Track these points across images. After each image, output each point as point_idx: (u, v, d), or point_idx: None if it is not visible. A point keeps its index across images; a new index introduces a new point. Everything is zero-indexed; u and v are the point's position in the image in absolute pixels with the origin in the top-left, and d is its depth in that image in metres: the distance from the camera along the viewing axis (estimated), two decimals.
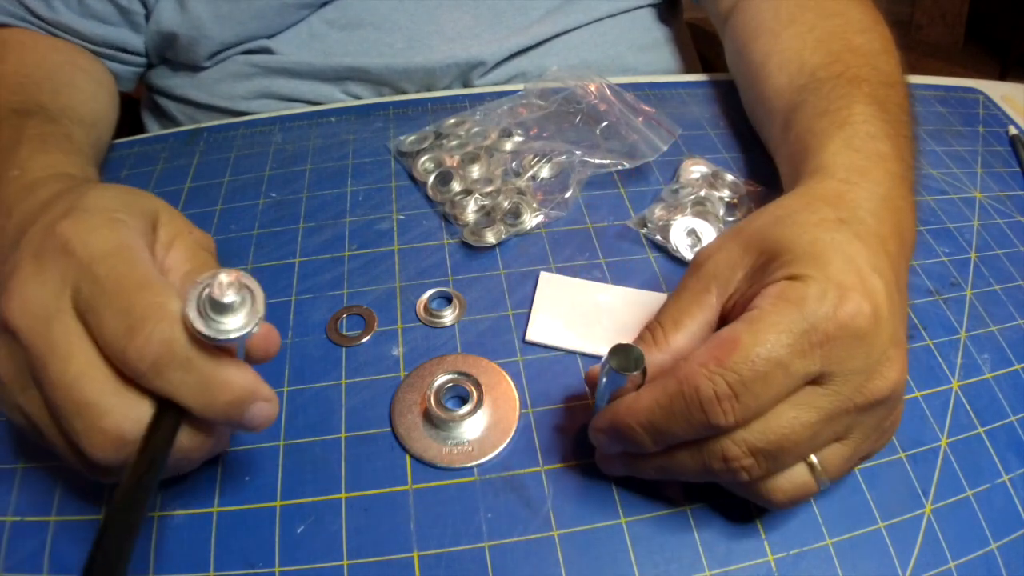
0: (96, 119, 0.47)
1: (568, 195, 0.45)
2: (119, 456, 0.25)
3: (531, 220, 0.43)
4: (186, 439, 0.26)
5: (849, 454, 0.27)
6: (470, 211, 0.44)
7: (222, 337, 0.24)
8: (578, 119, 0.50)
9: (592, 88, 0.51)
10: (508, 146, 0.49)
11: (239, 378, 0.26)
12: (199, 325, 0.24)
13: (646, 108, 0.48)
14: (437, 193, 0.45)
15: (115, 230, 0.27)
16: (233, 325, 0.24)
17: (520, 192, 0.45)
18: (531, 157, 0.47)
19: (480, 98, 0.56)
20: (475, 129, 0.50)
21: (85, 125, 0.44)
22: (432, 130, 0.51)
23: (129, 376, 0.25)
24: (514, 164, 0.47)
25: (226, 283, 0.24)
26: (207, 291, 0.24)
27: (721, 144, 0.51)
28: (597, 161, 0.46)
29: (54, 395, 0.25)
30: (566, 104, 0.52)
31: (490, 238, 0.42)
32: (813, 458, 0.27)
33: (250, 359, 0.28)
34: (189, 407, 0.25)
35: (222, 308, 0.24)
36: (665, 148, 0.45)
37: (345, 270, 0.41)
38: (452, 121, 0.51)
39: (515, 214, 0.43)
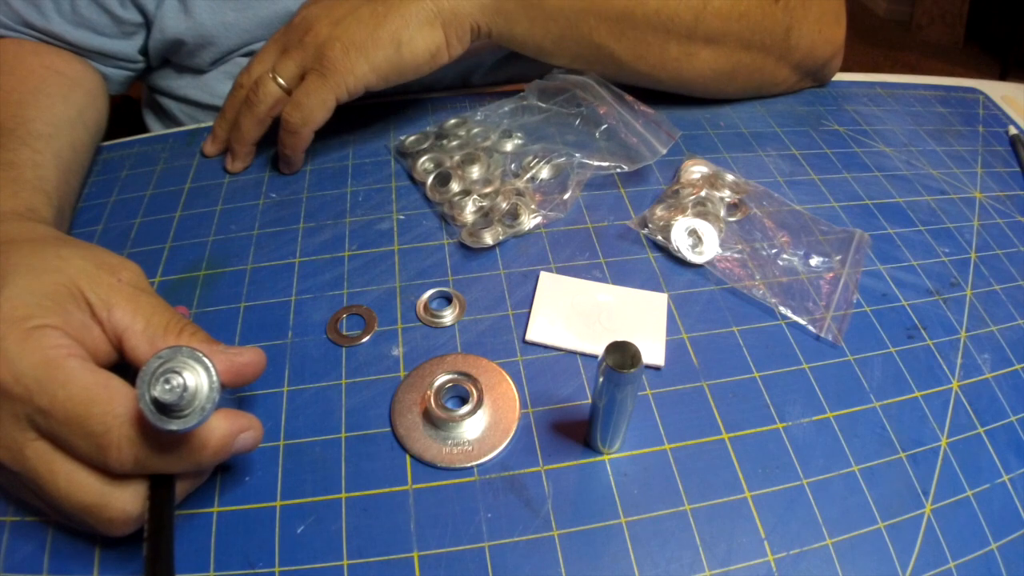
0: (59, 126, 0.45)
1: (567, 196, 0.45)
2: (134, 527, 0.27)
3: (529, 221, 0.43)
4: (180, 488, 0.28)
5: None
6: (468, 212, 0.44)
7: (178, 428, 0.25)
8: (578, 122, 0.50)
9: (592, 90, 0.51)
10: (508, 147, 0.49)
11: (216, 429, 0.27)
12: (157, 422, 0.24)
13: (646, 109, 0.48)
14: (436, 193, 0.45)
15: (38, 344, 0.26)
16: (183, 424, 0.25)
17: (519, 193, 0.44)
18: (530, 158, 0.47)
19: (480, 98, 0.56)
20: (475, 130, 0.50)
21: (43, 138, 0.42)
22: (432, 130, 0.51)
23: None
24: (513, 165, 0.47)
25: (163, 391, 0.24)
26: (153, 390, 0.24)
27: (721, 144, 0.51)
28: (596, 163, 0.46)
29: (55, 504, 0.27)
30: (566, 106, 0.51)
31: (488, 239, 0.42)
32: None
33: (232, 386, 0.30)
34: (180, 472, 0.28)
35: (168, 408, 0.25)
36: (665, 151, 0.45)
37: (345, 270, 0.41)
38: (452, 121, 0.51)
39: (513, 215, 0.43)
